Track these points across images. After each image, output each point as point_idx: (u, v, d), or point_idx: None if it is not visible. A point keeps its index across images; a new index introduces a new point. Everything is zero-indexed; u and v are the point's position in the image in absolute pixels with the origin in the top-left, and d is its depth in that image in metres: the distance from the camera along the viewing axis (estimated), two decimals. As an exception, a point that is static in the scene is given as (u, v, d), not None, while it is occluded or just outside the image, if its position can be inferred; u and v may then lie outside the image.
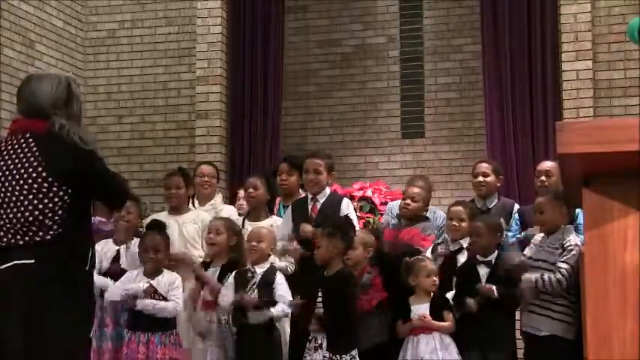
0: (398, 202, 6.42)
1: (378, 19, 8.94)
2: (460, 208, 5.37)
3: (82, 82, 8.66)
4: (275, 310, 4.70)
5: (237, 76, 8.47)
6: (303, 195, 5.57)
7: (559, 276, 4.59)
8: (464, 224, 5.26)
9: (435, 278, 4.98)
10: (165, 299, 4.84)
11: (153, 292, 4.82)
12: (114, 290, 4.93)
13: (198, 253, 5.63)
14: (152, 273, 4.90)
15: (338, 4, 9.01)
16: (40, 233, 3.18)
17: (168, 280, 4.89)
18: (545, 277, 4.64)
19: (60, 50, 8.27)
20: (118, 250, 5.39)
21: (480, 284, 4.90)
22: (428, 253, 5.30)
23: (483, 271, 4.98)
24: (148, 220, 5.82)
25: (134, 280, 4.89)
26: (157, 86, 8.61)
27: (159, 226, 5.13)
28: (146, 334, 4.77)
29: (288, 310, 4.76)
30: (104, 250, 5.39)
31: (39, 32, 7.94)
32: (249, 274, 4.80)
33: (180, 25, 8.63)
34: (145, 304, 4.78)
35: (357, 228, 5.18)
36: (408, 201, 5.62)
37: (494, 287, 4.85)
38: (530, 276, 4.71)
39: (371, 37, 8.92)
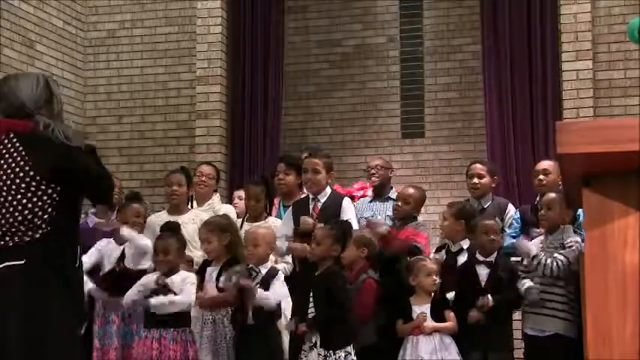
0: (363, 201, 6.50)
1: (378, 19, 8.94)
2: (446, 208, 5.46)
3: (82, 82, 8.67)
4: (260, 291, 4.68)
5: (237, 76, 8.47)
6: (304, 195, 5.57)
7: (554, 264, 4.62)
8: (446, 223, 5.32)
9: (435, 278, 4.98)
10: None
11: (163, 286, 4.82)
12: (130, 294, 4.92)
13: (199, 254, 5.63)
14: (166, 274, 4.91)
15: (338, 4, 9.01)
16: (30, 233, 3.17)
17: (182, 277, 4.89)
18: (543, 259, 4.66)
19: (60, 50, 8.27)
20: (123, 250, 5.39)
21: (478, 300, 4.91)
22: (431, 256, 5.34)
23: (484, 272, 4.98)
24: (148, 220, 5.84)
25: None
26: (157, 86, 8.62)
27: (171, 229, 5.14)
28: (159, 330, 4.77)
29: (272, 300, 4.72)
30: (107, 251, 5.39)
31: (39, 32, 7.94)
32: (253, 273, 4.80)
33: (180, 25, 8.64)
34: (160, 301, 4.77)
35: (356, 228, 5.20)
36: (400, 202, 5.65)
37: (489, 297, 4.85)
38: (535, 249, 4.74)
39: (371, 37, 8.93)
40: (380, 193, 6.26)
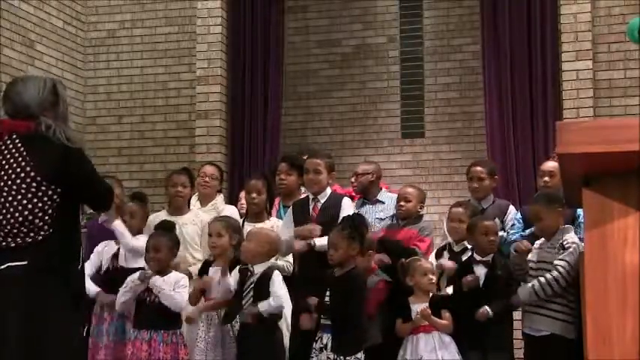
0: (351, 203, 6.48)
1: (378, 19, 8.94)
2: (460, 209, 5.39)
3: (82, 82, 8.67)
4: (261, 306, 4.66)
5: (237, 76, 8.47)
6: (304, 195, 5.57)
7: (556, 274, 4.59)
8: (464, 225, 5.27)
9: (431, 277, 4.97)
10: None
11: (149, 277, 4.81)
12: (118, 296, 4.91)
13: (198, 255, 5.62)
14: (157, 272, 4.88)
15: (338, 4, 9.01)
16: (32, 234, 3.18)
17: (175, 278, 4.88)
18: (542, 280, 4.62)
19: (60, 50, 8.27)
20: (119, 248, 5.38)
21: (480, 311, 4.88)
22: (432, 259, 5.32)
23: (482, 271, 4.98)
24: (148, 220, 5.82)
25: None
26: (157, 86, 8.62)
27: (164, 227, 5.12)
28: (149, 331, 4.76)
29: (275, 305, 4.71)
30: (106, 249, 5.39)
31: (39, 32, 7.94)
32: (248, 273, 4.80)
33: (180, 25, 8.64)
34: (160, 282, 4.75)
35: None
36: (402, 202, 5.66)
37: (487, 309, 4.82)
38: (526, 286, 4.71)
39: (371, 37, 8.92)
40: (368, 197, 6.24)
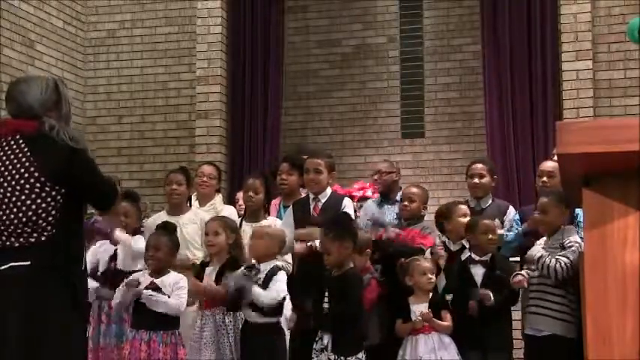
0: (372, 202, 6.44)
1: (378, 19, 8.94)
2: (464, 206, 5.40)
3: (82, 82, 8.67)
4: (255, 291, 4.62)
5: (237, 76, 8.47)
6: (305, 195, 5.56)
7: (557, 266, 4.61)
8: None
9: (430, 276, 4.95)
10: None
11: (153, 289, 4.79)
12: (119, 293, 4.89)
13: (199, 254, 5.62)
14: (155, 272, 4.87)
15: (338, 4, 9.01)
16: (35, 235, 3.18)
17: (174, 279, 4.86)
18: (548, 260, 4.65)
19: (60, 50, 8.27)
20: (116, 250, 5.37)
21: (477, 289, 4.89)
22: (427, 255, 5.31)
23: (480, 271, 4.98)
24: (148, 221, 5.82)
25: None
26: (156, 86, 8.62)
27: (166, 228, 5.11)
28: (148, 332, 4.74)
29: (269, 295, 4.68)
30: (102, 250, 5.37)
31: (39, 32, 7.94)
32: (254, 271, 4.78)
33: (180, 25, 8.64)
34: (149, 293, 4.74)
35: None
36: (406, 202, 5.66)
37: (490, 293, 4.84)
38: (539, 250, 4.73)
39: (371, 37, 8.93)
40: (387, 197, 6.24)
